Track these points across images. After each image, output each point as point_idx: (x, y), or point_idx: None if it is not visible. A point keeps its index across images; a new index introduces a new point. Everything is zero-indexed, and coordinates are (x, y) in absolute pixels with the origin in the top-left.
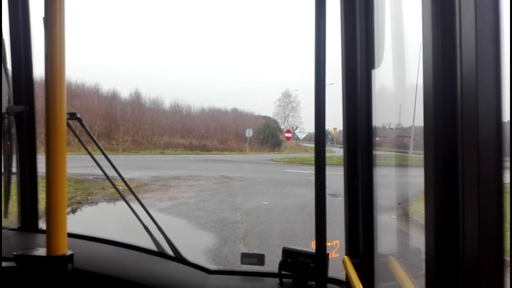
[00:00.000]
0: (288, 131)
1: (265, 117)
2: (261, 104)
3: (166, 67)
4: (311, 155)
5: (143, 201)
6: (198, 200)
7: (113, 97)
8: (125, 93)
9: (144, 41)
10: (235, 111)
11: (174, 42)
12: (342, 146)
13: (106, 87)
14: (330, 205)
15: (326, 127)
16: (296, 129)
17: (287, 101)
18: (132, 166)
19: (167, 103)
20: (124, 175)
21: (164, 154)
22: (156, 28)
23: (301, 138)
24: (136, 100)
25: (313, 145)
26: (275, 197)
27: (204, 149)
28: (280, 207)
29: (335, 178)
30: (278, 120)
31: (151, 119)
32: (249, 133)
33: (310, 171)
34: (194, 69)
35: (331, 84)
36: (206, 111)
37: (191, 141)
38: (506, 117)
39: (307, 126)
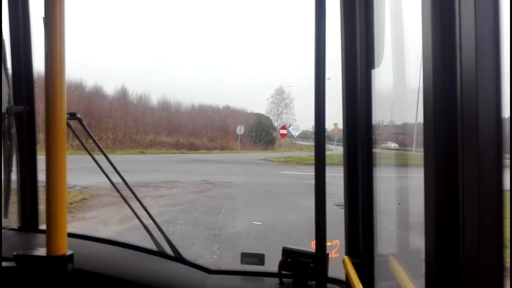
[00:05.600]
0: (283, 127)
1: (258, 115)
2: (254, 101)
3: (155, 63)
4: (307, 154)
5: (78, 224)
6: (162, 221)
7: (96, 93)
8: (109, 89)
9: (131, 36)
10: (227, 108)
11: (164, 39)
12: (341, 143)
13: (89, 83)
14: (341, 216)
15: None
16: (290, 126)
17: (281, 97)
18: (97, 169)
19: (154, 100)
20: (80, 182)
21: (145, 154)
22: (144, 23)
23: (295, 136)
24: (121, 97)
25: (307, 143)
26: (270, 212)
27: (192, 147)
28: (278, 230)
29: (337, 181)
30: (272, 118)
31: (135, 116)
32: (240, 130)
33: (310, 172)
34: (186, 66)
35: (328, 79)
36: (196, 107)
37: (178, 139)
38: (506, 116)
39: (301, 123)
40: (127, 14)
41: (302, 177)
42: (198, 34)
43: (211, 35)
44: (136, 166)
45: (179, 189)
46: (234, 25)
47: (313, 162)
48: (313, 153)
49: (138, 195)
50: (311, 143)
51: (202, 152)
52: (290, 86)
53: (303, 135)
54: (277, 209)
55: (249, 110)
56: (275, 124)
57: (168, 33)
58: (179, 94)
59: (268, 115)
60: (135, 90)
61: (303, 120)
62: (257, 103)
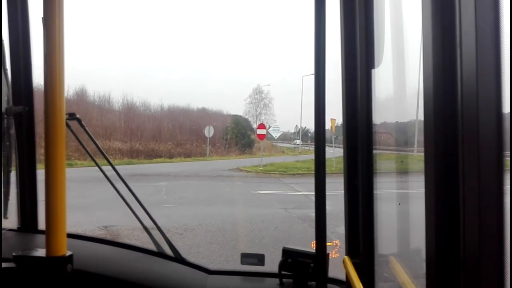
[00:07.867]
0: (262, 126)
1: (235, 116)
2: (231, 102)
3: (124, 64)
4: (292, 159)
5: None
6: None
7: (37, 92)
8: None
9: (97, 34)
10: (202, 110)
11: (136, 39)
12: (336, 143)
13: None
14: None
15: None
16: (269, 127)
17: (259, 97)
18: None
19: (115, 102)
20: None
21: (72, 167)
22: (112, 21)
23: (276, 138)
24: (77, 99)
25: (289, 145)
26: None
27: (153, 154)
28: None
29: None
30: (250, 119)
31: (86, 120)
32: (209, 132)
33: (302, 188)
34: (158, 67)
35: (268, 85)
36: (165, 109)
37: (132, 146)
38: (506, 116)
39: (281, 124)
40: (94, 12)
41: (293, 203)
42: (171, 34)
43: (186, 34)
44: None
45: None
46: (212, 24)
47: (301, 171)
48: (298, 158)
49: None
50: (293, 145)
51: (159, 161)
52: (268, 84)
53: (284, 137)
54: None
55: (225, 112)
56: (254, 125)
57: (139, 34)
58: (150, 97)
59: (246, 116)
60: (96, 91)
61: (283, 122)
62: (234, 104)
